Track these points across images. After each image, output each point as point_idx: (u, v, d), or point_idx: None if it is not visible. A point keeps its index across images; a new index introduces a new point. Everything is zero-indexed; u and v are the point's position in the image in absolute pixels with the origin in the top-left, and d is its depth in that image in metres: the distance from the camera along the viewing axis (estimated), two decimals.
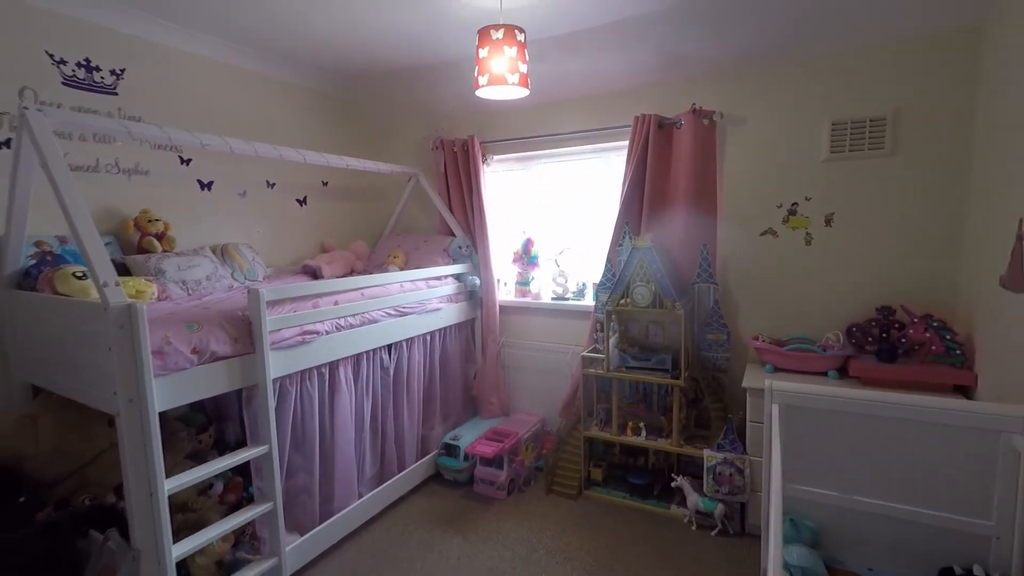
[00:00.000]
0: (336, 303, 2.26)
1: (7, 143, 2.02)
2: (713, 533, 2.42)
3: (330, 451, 2.31)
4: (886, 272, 2.38)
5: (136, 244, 2.35)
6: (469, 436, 2.95)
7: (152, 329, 1.60)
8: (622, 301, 2.60)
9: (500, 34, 1.90)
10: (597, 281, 2.91)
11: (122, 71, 2.37)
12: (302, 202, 3.28)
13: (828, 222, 2.47)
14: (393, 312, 2.58)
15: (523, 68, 1.95)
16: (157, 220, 2.40)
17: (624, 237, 2.75)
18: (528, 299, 3.29)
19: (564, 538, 2.43)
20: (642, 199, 2.74)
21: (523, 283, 3.32)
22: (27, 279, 1.94)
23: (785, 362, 2.42)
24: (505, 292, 3.41)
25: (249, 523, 1.98)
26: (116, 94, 2.35)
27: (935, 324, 2.15)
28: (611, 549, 2.35)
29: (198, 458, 2.32)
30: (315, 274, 2.99)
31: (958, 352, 2.09)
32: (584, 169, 3.15)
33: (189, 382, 1.68)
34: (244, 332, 1.86)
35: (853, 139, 2.34)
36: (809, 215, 2.50)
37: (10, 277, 1.94)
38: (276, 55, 2.91)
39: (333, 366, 2.28)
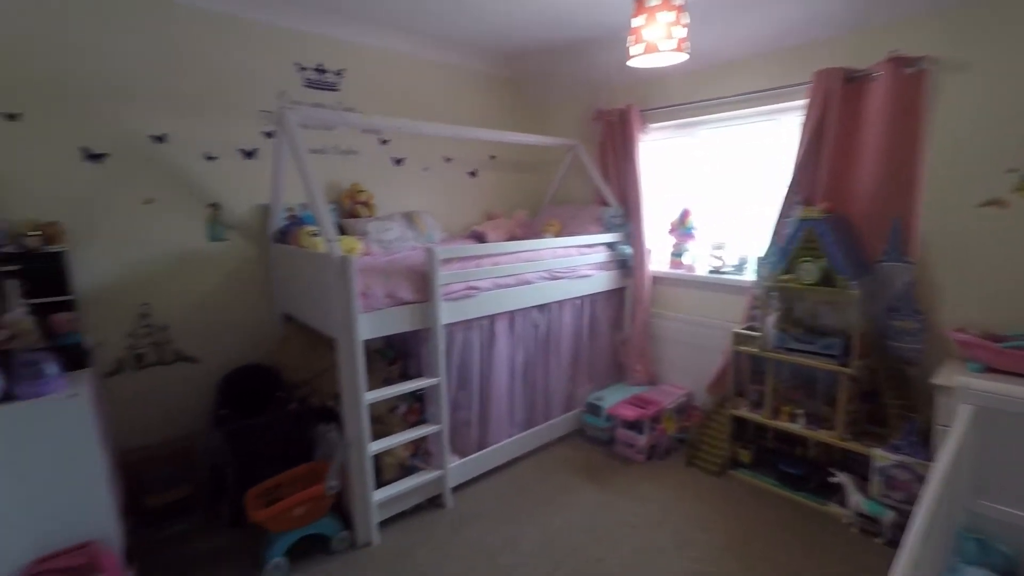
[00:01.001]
0: (496, 264, 2.56)
1: (271, 134, 2.72)
2: (879, 541, 2.18)
3: (487, 392, 2.67)
4: None
5: (349, 210, 2.96)
6: (612, 398, 3.08)
7: (359, 276, 2.07)
8: (784, 277, 2.41)
9: (656, 0, 1.88)
10: (759, 255, 2.72)
11: (342, 71, 2.95)
12: (473, 174, 3.67)
13: None
14: (546, 275, 2.80)
15: (680, 33, 1.91)
16: (363, 191, 2.98)
17: (794, 206, 2.51)
18: (682, 271, 3.22)
19: (701, 509, 2.44)
20: (818, 164, 2.46)
21: (677, 254, 3.25)
22: (282, 236, 2.62)
23: (1002, 361, 2.01)
24: (658, 263, 3.39)
25: (423, 439, 2.44)
26: (338, 90, 2.94)
27: None
28: (751, 529, 2.29)
29: (389, 384, 2.90)
30: (481, 238, 3.37)
31: None
32: (751, 134, 2.91)
33: (383, 319, 2.13)
34: (422, 284, 2.26)
35: None
36: None
37: (273, 234, 2.65)
38: (455, 44, 3.28)
39: (492, 319, 2.61)
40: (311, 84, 2.84)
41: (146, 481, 2.34)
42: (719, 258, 3.04)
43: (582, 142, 3.52)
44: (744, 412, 2.67)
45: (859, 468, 2.35)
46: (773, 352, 2.48)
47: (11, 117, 2.07)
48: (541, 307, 2.87)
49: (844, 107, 2.35)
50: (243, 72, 2.60)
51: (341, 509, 2.23)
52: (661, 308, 3.34)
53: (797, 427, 2.48)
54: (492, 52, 3.46)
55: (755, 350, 2.55)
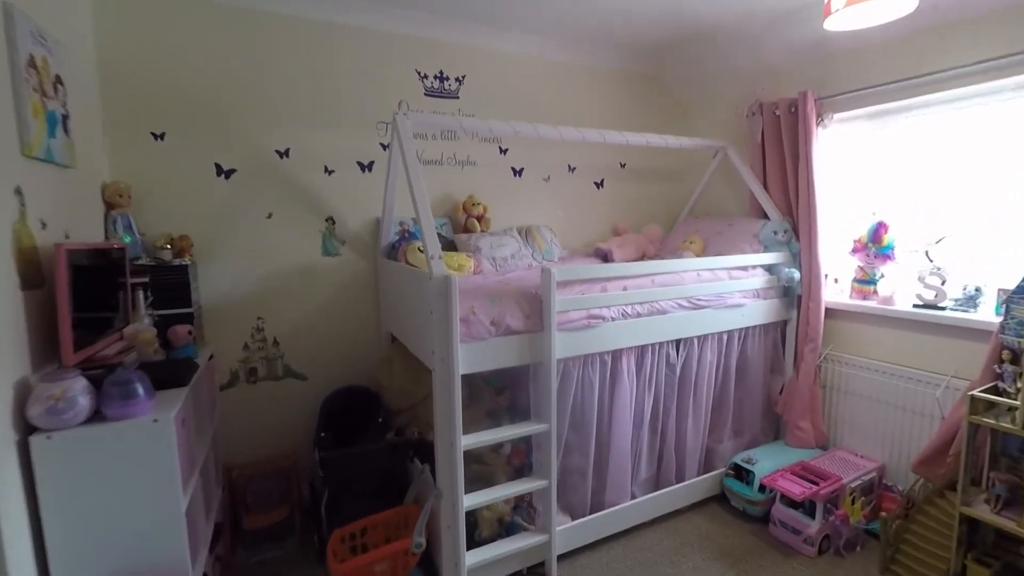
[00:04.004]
0: (625, 288, 2.12)
1: (387, 146, 2.61)
2: None
3: (606, 440, 2.22)
4: None
5: (463, 224, 2.74)
6: (767, 463, 2.42)
7: (462, 299, 1.78)
8: None
9: None
10: (1009, 287, 1.92)
11: (463, 77, 2.76)
12: (599, 185, 3.27)
13: None
14: (686, 304, 2.27)
15: None
16: (478, 204, 2.74)
17: None
18: (872, 302, 2.45)
19: None
20: None
21: (866, 281, 2.49)
22: (392, 251, 2.47)
23: None
24: (836, 291, 2.65)
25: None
26: (458, 97, 2.76)
27: None
28: None
29: (494, 416, 2.58)
30: (606, 257, 2.94)
31: None
32: (992, 117, 2.10)
33: (486, 351, 1.81)
34: (536, 310, 1.90)
35: None
36: None
37: (384, 249, 2.51)
38: (586, 41, 2.94)
39: (616, 355, 2.16)
40: (431, 92, 2.69)
41: (248, 499, 2.29)
42: (934, 288, 2.24)
43: (733, 143, 2.92)
44: (982, 513, 1.85)
45: None
46: None
47: (157, 137, 2.17)
48: (678, 342, 2.34)
49: None
50: (363, 83, 2.52)
51: (430, 565, 1.94)
52: (839, 350, 2.58)
53: None
54: (628, 46, 3.05)
55: (1009, 425, 1.75)
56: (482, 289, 1.93)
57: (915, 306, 2.30)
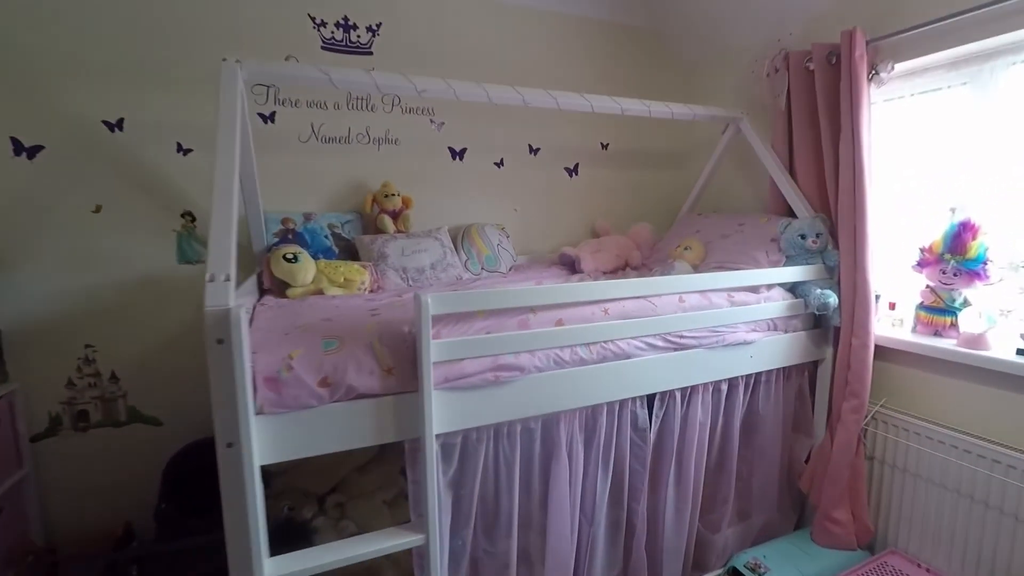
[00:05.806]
0: (560, 323, 1.40)
1: (270, 118, 1.97)
2: None
3: (537, 544, 1.52)
4: None
5: (374, 222, 2.08)
6: (783, 572, 1.67)
7: (277, 344, 1.14)
8: None
9: None
10: None
11: (378, 26, 2.09)
12: (572, 171, 2.54)
13: None
14: (660, 343, 1.54)
15: None
16: (394, 195, 2.07)
17: None
18: (949, 342, 1.65)
19: None
20: None
21: (940, 310, 1.69)
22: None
23: None
24: (893, 323, 1.85)
25: None
26: (371, 53, 2.10)
27: None
28: None
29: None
30: (573, 266, 2.23)
31: None
32: None
33: (313, 426, 1.14)
34: (404, 359, 1.22)
35: None
36: None
37: (258, 255, 1.87)
38: None
39: (549, 421, 1.45)
40: (331, 46, 2.04)
41: None
42: None
43: (750, 114, 2.15)
44: None
45: None
46: None
47: None
48: (650, 397, 1.61)
49: None
50: (233, 32, 1.89)
51: None
52: (894, 407, 1.79)
53: None
54: None
55: None
56: (320, 325, 1.26)
57: (1020, 352, 1.50)
